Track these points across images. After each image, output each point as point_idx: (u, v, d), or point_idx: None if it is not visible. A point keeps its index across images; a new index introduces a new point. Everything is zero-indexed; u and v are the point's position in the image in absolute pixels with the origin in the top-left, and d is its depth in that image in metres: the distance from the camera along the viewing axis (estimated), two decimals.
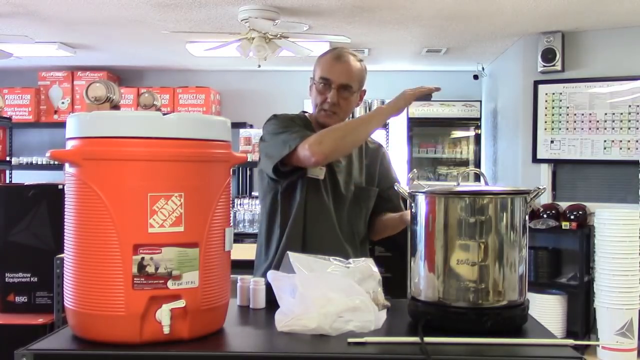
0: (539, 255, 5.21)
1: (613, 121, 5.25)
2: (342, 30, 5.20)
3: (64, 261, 1.49)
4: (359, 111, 6.83)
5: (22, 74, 7.21)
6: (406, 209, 1.69)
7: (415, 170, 1.91)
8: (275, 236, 2.16)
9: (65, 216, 1.48)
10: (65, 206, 1.48)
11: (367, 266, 1.70)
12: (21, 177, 6.33)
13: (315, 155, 1.94)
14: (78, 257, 1.43)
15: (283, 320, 1.52)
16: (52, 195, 3.02)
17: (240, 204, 5.52)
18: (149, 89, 6.47)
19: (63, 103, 7.06)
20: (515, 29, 5.31)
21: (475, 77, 6.97)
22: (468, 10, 4.67)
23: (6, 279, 3.06)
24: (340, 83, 2.12)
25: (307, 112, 2.29)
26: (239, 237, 5.08)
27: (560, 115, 5.44)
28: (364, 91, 2.25)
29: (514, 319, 1.55)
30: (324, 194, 2.13)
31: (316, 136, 1.98)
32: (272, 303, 1.67)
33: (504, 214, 1.56)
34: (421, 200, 1.61)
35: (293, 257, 1.66)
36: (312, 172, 2.14)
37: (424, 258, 1.60)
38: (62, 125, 1.76)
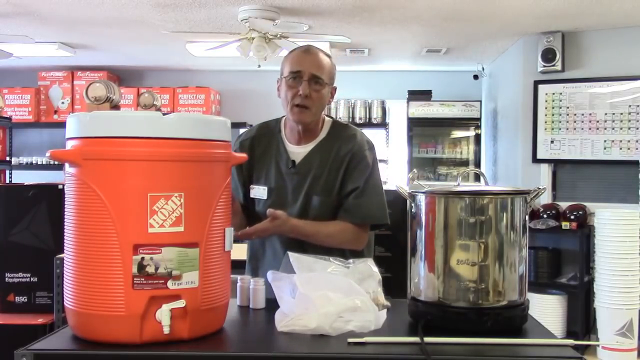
0: (539, 255, 5.20)
1: (613, 121, 5.25)
2: (342, 30, 5.20)
3: (64, 261, 1.49)
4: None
5: (22, 74, 7.21)
6: (406, 209, 1.68)
7: (415, 170, 1.90)
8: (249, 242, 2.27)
9: (65, 216, 1.48)
10: (65, 206, 1.48)
11: (367, 266, 1.70)
12: (21, 177, 6.33)
13: None
14: (78, 257, 1.43)
15: (283, 320, 1.52)
16: (52, 195, 3.02)
17: None
18: (149, 89, 6.46)
19: (63, 103, 7.06)
20: (515, 29, 5.31)
21: (475, 77, 6.97)
22: (468, 10, 4.67)
23: (6, 279, 3.06)
24: (311, 73, 2.07)
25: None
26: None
27: (560, 115, 5.44)
28: (335, 88, 2.19)
29: (514, 319, 1.55)
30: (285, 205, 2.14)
31: None
32: (272, 303, 1.67)
33: (504, 214, 1.56)
34: (421, 200, 1.61)
35: (293, 257, 1.67)
36: (255, 193, 2.19)
37: (424, 258, 1.60)
38: (62, 125, 1.76)
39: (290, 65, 2.11)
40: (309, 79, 2.07)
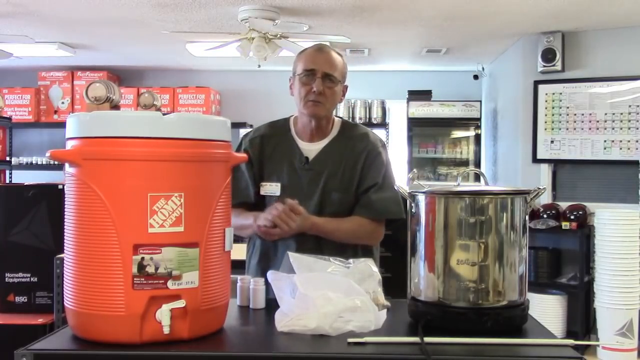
0: (539, 255, 5.20)
1: (613, 121, 5.25)
2: (342, 30, 5.20)
3: (64, 261, 1.49)
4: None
5: (22, 74, 7.21)
6: (406, 209, 1.68)
7: (415, 170, 1.90)
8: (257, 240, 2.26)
9: (65, 216, 1.48)
10: (65, 206, 1.48)
11: (367, 266, 1.70)
12: (21, 177, 6.33)
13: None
14: (78, 257, 1.43)
15: (283, 320, 1.52)
16: (52, 195, 3.02)
17: None
18: (149, 89, 6.46)
19: (63, 103, 7.07)
20: (515, 29, 5.31)
21: (475, 77, 6.97)
22: (468, 10, 4.67)
23: (6, 279, 3.06)
24: (324, 71, 2.12)
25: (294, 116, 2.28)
26: (239, 237, 5.06)
27: (560, 115, 5.44)
28: (346, 87, 2.24)
29: (514, 319, 1.55)
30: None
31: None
32: (272, 303, 1.67)
33: (504, 214, 1.56)
34: (421, 200, 1.61)
35: (293, 257, 1.66)
36: (266, 190, 2.18)
37: (424, 258, 1.60)
38: (62, 125, 1.76)
39: (304, 64, 2.15)
40: (322, 77, 2.12)
